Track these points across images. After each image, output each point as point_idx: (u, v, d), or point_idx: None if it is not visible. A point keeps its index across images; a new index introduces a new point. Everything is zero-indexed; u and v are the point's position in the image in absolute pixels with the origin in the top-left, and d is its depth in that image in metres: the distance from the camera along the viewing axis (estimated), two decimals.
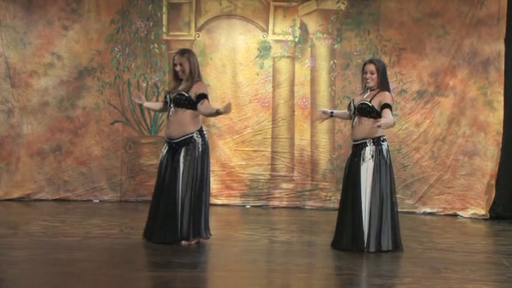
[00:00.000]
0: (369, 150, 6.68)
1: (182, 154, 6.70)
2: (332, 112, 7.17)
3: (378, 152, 6.69)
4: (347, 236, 6.65)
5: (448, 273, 5.97)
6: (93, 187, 9.66)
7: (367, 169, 6.65)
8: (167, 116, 6.82)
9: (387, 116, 6.53)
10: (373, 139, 6.69)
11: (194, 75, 6.75)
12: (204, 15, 9.65)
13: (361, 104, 6.70)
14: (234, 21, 9.64)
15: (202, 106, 6.70)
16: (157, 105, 7.52)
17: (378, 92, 6.70)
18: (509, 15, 9.07)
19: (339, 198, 6.97)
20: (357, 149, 6.73)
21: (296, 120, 9.60)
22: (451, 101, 9.31)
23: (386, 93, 6.72)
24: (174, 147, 6.75)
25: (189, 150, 6.71)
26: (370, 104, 6.64)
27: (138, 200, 9.56)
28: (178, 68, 6.76)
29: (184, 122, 6.73)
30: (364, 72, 6.78)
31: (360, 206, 6.61)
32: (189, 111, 6.72)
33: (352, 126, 6.80)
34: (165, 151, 6.82)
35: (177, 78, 6.82)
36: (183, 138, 6.72)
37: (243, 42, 9.64)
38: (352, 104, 6.82)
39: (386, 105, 6.61)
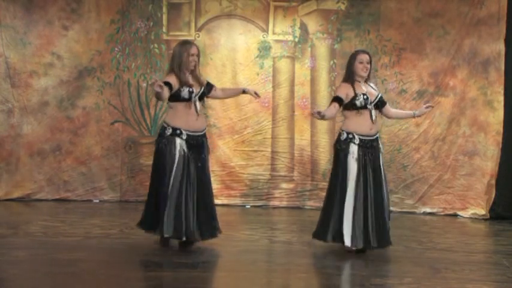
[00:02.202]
0: (381, 144, 6.69)
1: (205, 147, 6.73)
2: (324, 115, 6.73)
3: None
4: (372, 233, 6.48)
5: (448, 273, 5.97)
6: (93, 187, 9.66)
7: (382, 163, 6.64)
8: (192, 109, 6.58)
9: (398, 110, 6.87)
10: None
11: (198, 68, 6.81)
12: (204, 15, 9.65)
13: (381, 97, 6.71)
14: (234, 21, 9.64)
15: (219, 91, 6.99)
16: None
17: (368, 84, 6.72)
18: (509, 15, 9.07)
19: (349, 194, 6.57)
20: (371, 144, 6.59)
21: (296, 120, 9.59)
22: (451, 101, 9.31)
23: (373, 84, 6.89)
24: (198, 140, 6.65)
25: (207, 144, 6.80)
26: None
27: (138, 200, 9.54)
28: (195, 58, 6.66)
29: (204, 116, 6.84)
30: (359, 61, 6.63)
31: (384, 201, 6.56)
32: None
33: (372, 122, 6.60)
34: (184, 145, 6.56)
35: (188, 70, 6.68)
36: (205, 131, 6.76)
37: (243, 42, 9.64)
38: (368, 98, 6.57)
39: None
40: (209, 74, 9.52)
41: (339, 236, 6.52)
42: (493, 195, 9.09)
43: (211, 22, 9.65)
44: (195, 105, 6.59)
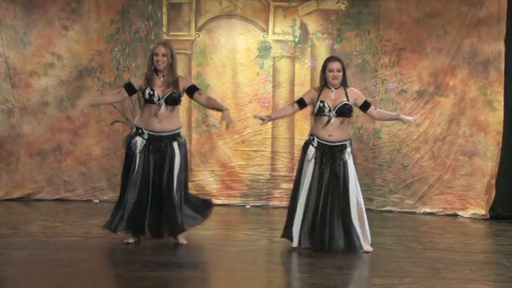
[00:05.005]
0: (349, 151, 6.74)
1: (176, 147, 6.73)
2: (270, 116, 6.99)
3: (352, 152, 6.78)
4: (337, 235, 6.60)
5: (448, 273, 5.97)
6: (93, 187, 9.67)
7: (350, 169, 6.69)
8: (154, 111, 6.66)
9: (386, 111, 6.90)
10: (350, 140, 6.79)
11: (175, 70, 6.77)
12: (204, 15, 9.65)
13: (344, 104, 6.68)
14: (234, 21, 9.64)
15: (202, 97, 6.89)
16: (110, 98, 7.30)
17: (344, 90, 6.75)
18: (509, 15, 9.07)
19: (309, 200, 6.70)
20: (336, 150, 6.68)
21: (296, 120, 9.59)
22: (451, 101, 9.31)
23: (355, 90, 6.97)
24: (163, 140, 6.69)
25: (180, 145, 6.77)
26: (350, 103, 6.73)
27: None
28: (160, 58, 6.66)
29: (174, 119, 6.78)
30: (329, 70, 6.76)
31: (350, 205, 6.63)
32: (177, 107, 6.79)
33: (326, 127, 6.67)
34: (140, 143, 6.69)
35: (154, 70, 6.73)
36: (174, 132, 6.75)
37: (243, 42, 9.64)
38: (326, 105, 6.68)
39: (370, 103, 6.87)
40: (209, 74, 9.55)
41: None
42: (493, 195, 9.09)
43: (211, 22, 9.65)
44: (158, 107, 6.66)
